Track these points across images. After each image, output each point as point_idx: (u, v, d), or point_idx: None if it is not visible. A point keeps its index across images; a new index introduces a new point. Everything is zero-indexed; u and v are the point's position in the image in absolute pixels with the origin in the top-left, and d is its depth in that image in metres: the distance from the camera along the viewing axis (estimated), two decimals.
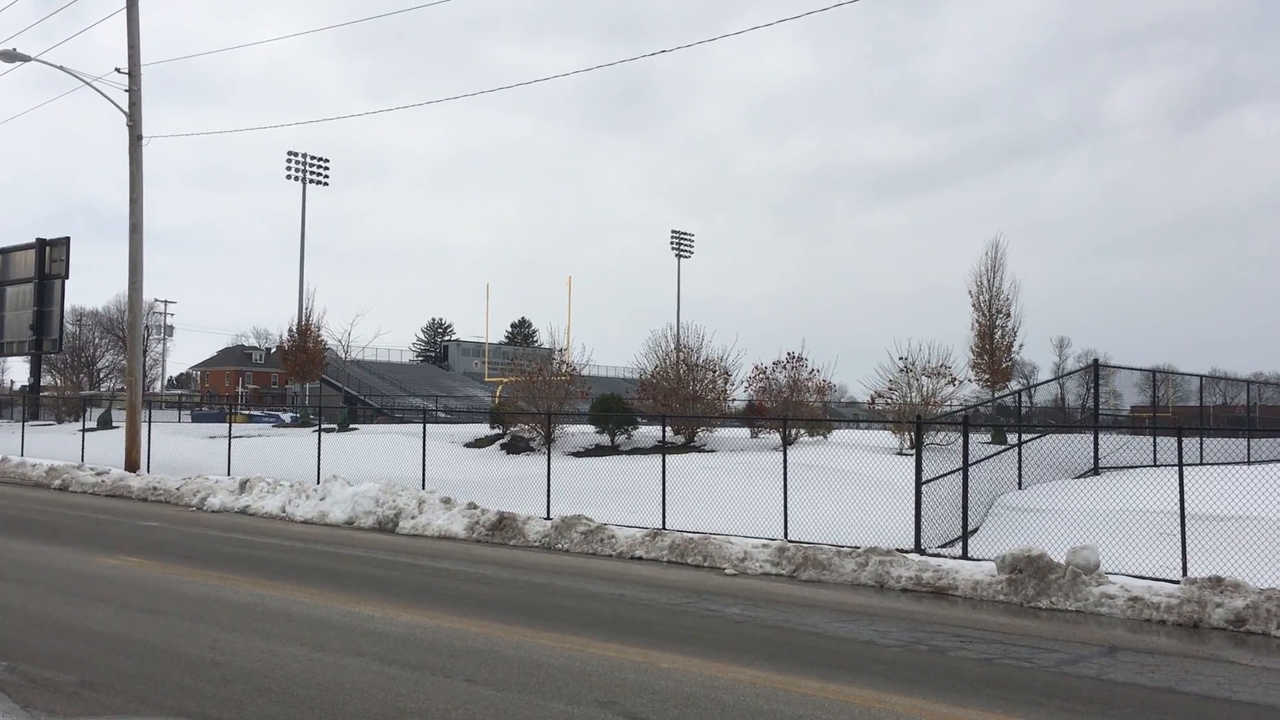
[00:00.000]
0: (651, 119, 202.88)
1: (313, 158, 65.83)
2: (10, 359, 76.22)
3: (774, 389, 30.62)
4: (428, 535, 16.12)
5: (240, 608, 9.55)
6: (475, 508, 16.53)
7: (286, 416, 56.72)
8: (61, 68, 26.31)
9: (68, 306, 54.64)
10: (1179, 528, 12.14)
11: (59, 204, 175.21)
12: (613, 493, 19.71)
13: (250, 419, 54.40)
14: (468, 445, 30.54)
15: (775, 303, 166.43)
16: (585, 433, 30.41)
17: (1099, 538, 12.38)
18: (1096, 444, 21.31)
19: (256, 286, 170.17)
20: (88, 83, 26.06)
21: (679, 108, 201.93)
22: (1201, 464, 21.16)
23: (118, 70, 25.90)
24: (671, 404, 29.37)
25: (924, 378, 28.06)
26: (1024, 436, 20.62)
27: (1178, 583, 10.64)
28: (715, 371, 31.25)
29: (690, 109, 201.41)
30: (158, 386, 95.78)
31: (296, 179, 65.30)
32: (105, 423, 41.09)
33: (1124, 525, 13.95)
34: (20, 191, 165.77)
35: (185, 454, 28.72)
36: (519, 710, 6.32)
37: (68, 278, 47.84)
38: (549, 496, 17.85)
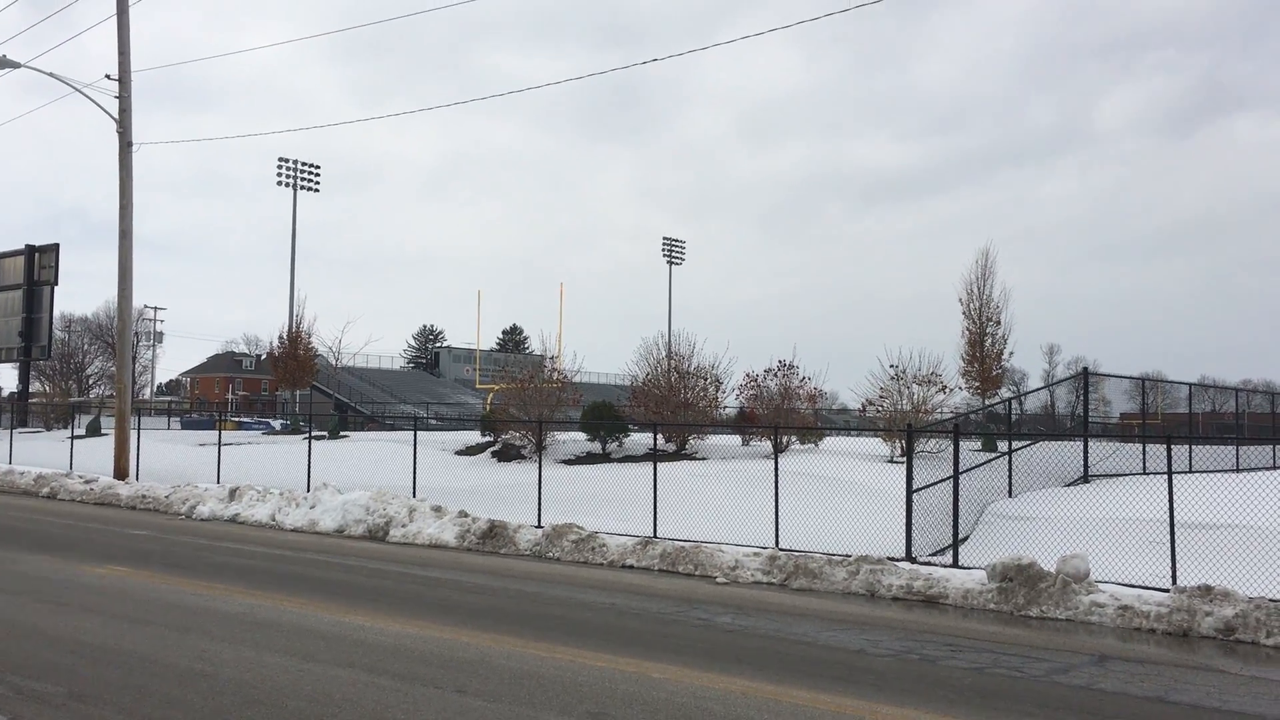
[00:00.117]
0: (644, 125, 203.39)
1: (304, 164, 65.79)
2: None
3: (765, 397, 30.63)
4: (418, 544, 16.08)
5: (229, 617, 9.51)
6: (466, 516, 16.50)
7: (276, 424, 56.64)
8: (52, 74, 26.29)
9: (57, 313, 54.43)
10: (1168, 536, 12.18)
11: (48, 210, 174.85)
12: (604, 501, 19.70)
13: (240, 426, 54.31)
14: (459, 453, 30.48)
15: (767, 309, 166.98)
16: (577, 440, 30.38)
17: (1089, 546, 12.42)
18: (1086, 452, 21.38)
19: (247, 293, 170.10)
20: (78, 89, 26.00)
21: (671, 114, 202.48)
22: (1191, 471, 21.26)
23: (108, 77, 25.87)
24: (663, 411, 29.34)
25: (915, 385, 28.12)
26: (1014, 444, 20.66)
27: (1167, 591, 10.66)
28: (707, 379, 31.23)
29: (682, 115, 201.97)
30: (147, 393, 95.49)
31: (287, 185, 65.24)
32: (94, 430, 40.89)
33: (1114, 533, 13.99)
34: (9, 197, 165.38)
35: (174, 461, 28.65)
36: None
37: (57, 284, 47.71)
38: (540, 504, 17.82)
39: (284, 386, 51.13)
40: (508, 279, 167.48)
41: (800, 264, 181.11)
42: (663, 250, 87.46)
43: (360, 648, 8.29)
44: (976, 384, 34.38)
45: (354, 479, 22.25)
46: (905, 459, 14.91)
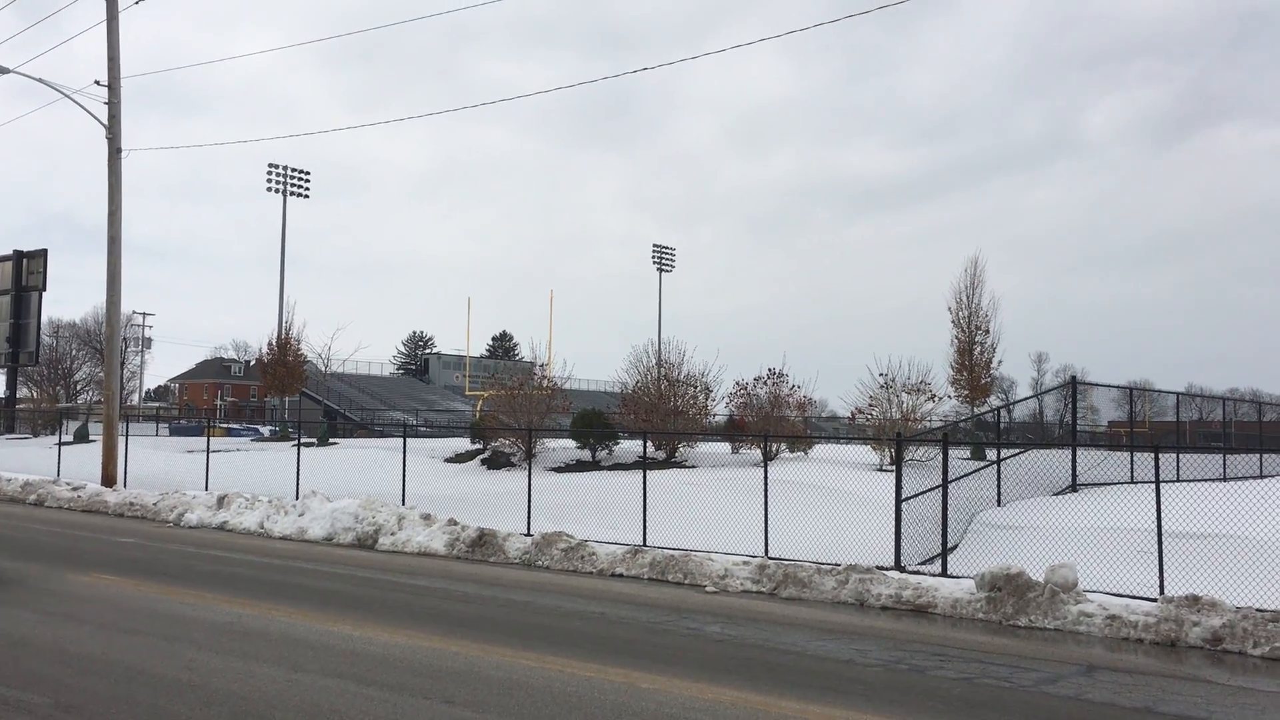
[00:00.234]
0: (634, 133, 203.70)
1: (293, 170, 65.66)
2: None
3: (755, 404, 30.71)
4: (407, 552, 16.04)
5: (217, 627, 9.47)
6: (455, 524, 16.47)
7: (265, 430, 56.45)
8: (41, 80, 26.21)
9: (45, 318, 54.22)
10: (1156, 545, 12.23)
11: (36, 215, 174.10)
12: (594, 509, 19.69)
13: (229, 432, 54.10)
14: (448, 460, 30.45)
15: (757, 316, 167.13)
16: (566, 448, 30.38)
17: (1077, 555, 12.46)
18: (1075, 461, 21.46)
19: (236, 299, 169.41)
20: (67, 95, 25.93)
21: (661, 122, 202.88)
22: (1178, 480, 21.30)
23: (97, 83, 25.79)
24: (653, 419, 29.37)
25: (904, 394, 28.23)
26: (1003, 453, 20.73)
27: (1155, 601, 10.69)
28: (697, 387, 31.32)
29: (673, 123, 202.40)
30: (135, 399, 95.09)
31: (277, 191, 65.09)
32: (82, 436, 40.72)
33: (1102, 543, 14.04)
34: None
35: (163, 468, 28.53)
36: None
37: (45, 290, 47.51)
38: (529, 513, 17.80)
39: (273, 393, 51.00)
40: (498, 285, 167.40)
41: (790, 272, 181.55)
42: (653, 257, 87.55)
43: (349, 657, 8.27)
44: (965, 392, 34.55)
45: (343, 486, 22.20)
46: (895, 467, 14.94)
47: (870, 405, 29.07)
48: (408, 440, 23.01)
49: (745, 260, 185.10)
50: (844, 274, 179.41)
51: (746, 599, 12.25)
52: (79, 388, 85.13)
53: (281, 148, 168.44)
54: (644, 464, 18.89)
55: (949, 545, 14.20)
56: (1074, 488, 21.07)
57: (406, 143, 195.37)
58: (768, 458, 18.71)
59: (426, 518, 17.07)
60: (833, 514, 16.40)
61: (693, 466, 27.20)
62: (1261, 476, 25.71)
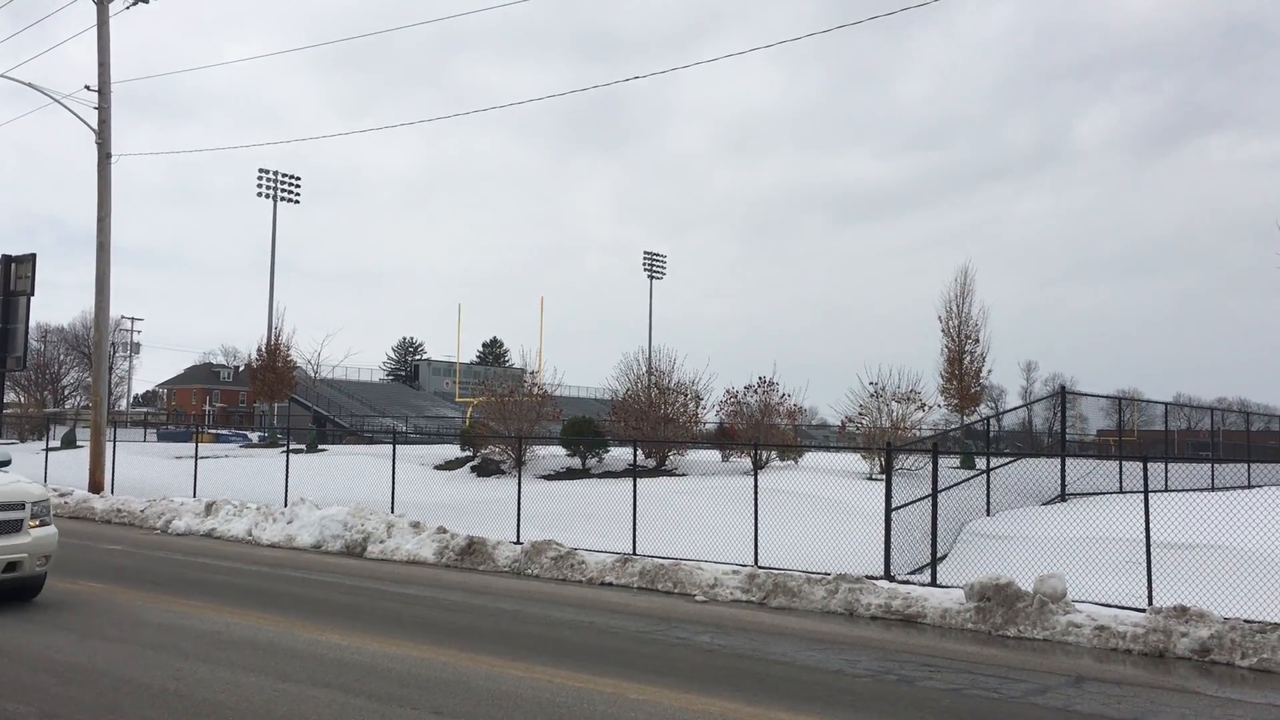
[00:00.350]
0: (625, 140, 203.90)
1: (284, 175, 65.45)
2: None
3: (745, 413, 30.72)
4: (396, 560, 15.99)
5: (204, 636, 9.42)
6: (445, 532, 16.42)
7: (254, 436, 56.26)
8: (30, 84, 26.13)
9: (33, 323, 53.89)
10: (1145, 556, 12.25)
11: (25, 219, 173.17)
12: (583, 517, 19.66)
13: (217, 438, 53.92)
14: (438, 467, 30.37)
15: (747, 323, 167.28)
16: (556, 455, 30.33)
17: (1066, 565, 12.47)
18: (1064, 470, 21.51)
19: (225, 304, 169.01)
20: (57, 100, 25.86)
21: (652, 129, 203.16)
22: (1167, 490, 21.40)
23: (87, 88, 25.74)
24: (643, 427, 29.35)
25: (894, 402, 28.26)
26: (993, 462, 20.77)
27: (1144, 611, 10.71)
28: (687, 394, 31.31)
29: (663, 130, 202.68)
30: (123, 404, 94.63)
31: (267, 196, 64.92)
32: (69, 442, 40.52)
33: (1091, 552, 14.07)
34: None
35: (150, 475, 28.40)
36: None
37: (33, 294, 47.04)
38: (519, 521, 17.74)
39: (262, 399, 50.85)
40: (488, 292, 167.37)
41: (781, 279, 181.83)
42: (644, 265, 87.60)
43: (337, 667, 8.23)
44: (955, 401, 34.60)
45: (332, 493, 22.11)
46: (884, 476, 14.95)
47: (860, 414, 29.08)
48: (397, 447, 22.92)
49: (736, 268, 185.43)
50: (834, 282, 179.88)
51: (736, 608, 12.23)
52: (66, 393, 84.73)
53: (272, 152, 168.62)
54: (634, 472, 18.86)
55: (939, 555, 14.22)
56: (1063, 497, 21.12)
57: (397, 149, 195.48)
58: (758, 466, 18.70)
59: (415, 525, 17.02)
60: (823, 523, 16.40)
61: (683, 475, 27.18)
62: (1249, 486, 25.83)
